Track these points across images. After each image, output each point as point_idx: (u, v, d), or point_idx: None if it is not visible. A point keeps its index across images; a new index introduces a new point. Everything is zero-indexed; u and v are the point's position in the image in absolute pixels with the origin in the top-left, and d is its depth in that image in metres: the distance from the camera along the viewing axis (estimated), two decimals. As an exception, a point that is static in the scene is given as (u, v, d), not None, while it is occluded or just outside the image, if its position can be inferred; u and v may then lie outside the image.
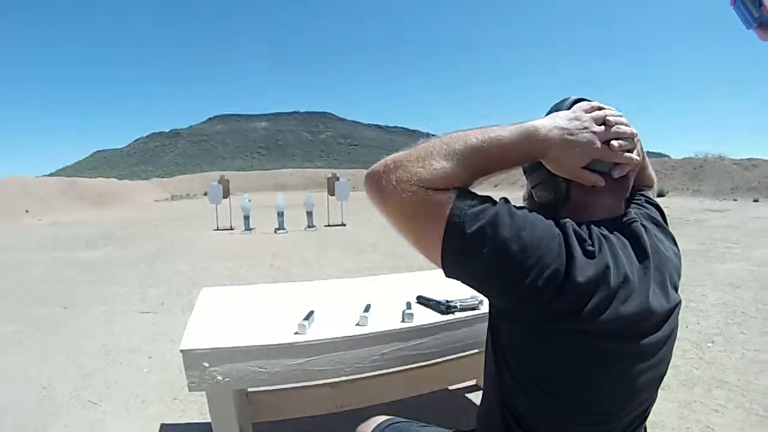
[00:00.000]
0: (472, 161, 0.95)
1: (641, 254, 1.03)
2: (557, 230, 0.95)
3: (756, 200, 20.22)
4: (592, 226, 1.01)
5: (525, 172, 1.20)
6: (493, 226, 0.91)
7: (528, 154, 1.01)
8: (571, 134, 1.01)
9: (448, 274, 0.98)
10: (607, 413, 1.05)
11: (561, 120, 1.03)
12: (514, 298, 0.94)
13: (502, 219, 0.92)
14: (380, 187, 0.96)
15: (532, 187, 1.20)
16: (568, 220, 0.98)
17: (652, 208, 1.27)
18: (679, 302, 1.10)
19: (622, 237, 1.03)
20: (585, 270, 0.91)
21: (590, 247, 0.95)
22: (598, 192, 1.07)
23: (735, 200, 20.88)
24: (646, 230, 1.08)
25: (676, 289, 1.10)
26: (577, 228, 0.98)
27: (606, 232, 1.01)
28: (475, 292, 1.04)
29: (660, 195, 23.75)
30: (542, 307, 0.91)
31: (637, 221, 1.08)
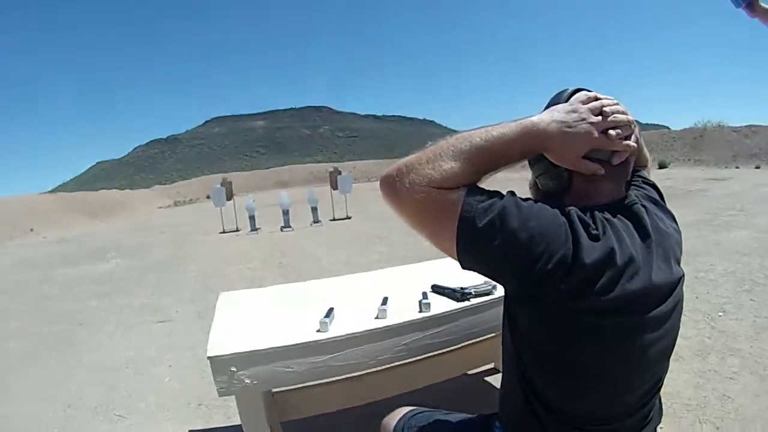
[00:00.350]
0: (478, 160, 1.02)
1: (643, 234, 1.08)
2: (562, 218, 1.01)
3: (758, 167, 20.14)
4: (596, 211, 1.05)
5: (529, 163, 1.23)
6: (501, 218, 0.97)
7: (530, 149, 1.08)
8: (569, 126, 1.06)
9: (464, 266, 1.05)
10: (620, 385, 1.10)
11: (559, 113, 1.08)
12: (527, 284, 1.00)
13: (510, 211, 0.99)
14: (395, 190, 1.04)
15: (536, 177, 1.25)
16: (572, 207, 1.04)
17: (650, 188, 1.31)
18: (683, 275, 1.15)
19: (624, 219, 1.08)
20: (591, 253, 0.97)
21: (594, 231, 1.00)
22: (599, 178, 1.11)
23: (737, 168, 20.81)
24: (646, 210, 1.13)
25: (678, 263, 1.15)
26: (581, 214, 1.03)
27: (609, 216, 1.06)
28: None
29: (662, 166, 23.72)
30: (553, 290, 0.97)
31: (637, 203, 1.13)
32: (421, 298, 1.97)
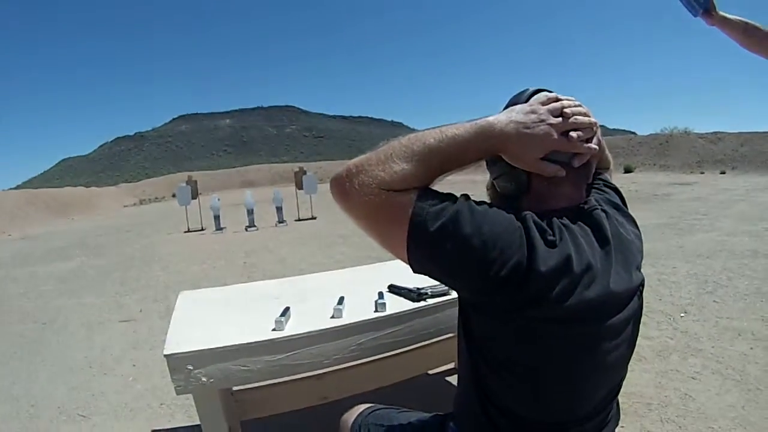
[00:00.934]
0: (431, 161, 1.00)
1: (603, 240, 1.06)
2: (518, 223, 0.99)
3: (723, 172, 20.61)
4: (554, 217, 1.04)
5: (486, 164, 1.21)
6: (454, 223, 0.95)
7: (486, 151, 1.05)
8: (527, 127, 1.03)
9: (415, 270, 1.04)
10: (577, 392, 1.09)
11: (517, 114, 1.06)
12: (480, 291, 0.99)
13: (463, 215, 0.96)
14: (344, 191, 1.01)
15: (494, 179, 1.23)
16: (528, 212, 1.02)
17: (611, 192, 1.31)
18: (642, 281, 1.15)
19: (583, 225, 1.06)
20: (547, 260, 0.95)
21: (551, 237, 0.98)
22: (559, 181, 1.09)
23: (702, 173, 21.25)
24: (607, 215, 1.12)
25: (639, 269, 1.14)
26: (538, 219, 1.01)
27: (567, 222, 1.05)
28: None
29: (627, 171, 24.10)
30: (507, 297, 0.96)
31: (597, 208, 1.11)
32: (377, 298, 1.99)
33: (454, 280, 1.04)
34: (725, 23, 1.90)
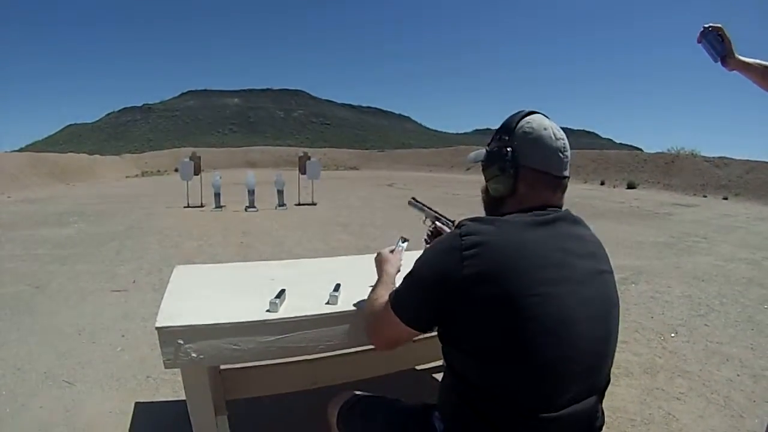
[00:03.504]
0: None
1: (568, 234, 1.29)
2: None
3: (725, 198, 20.53)
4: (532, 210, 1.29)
5: (483, 169, 1.44)
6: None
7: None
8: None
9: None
10: (550, 376, 1.16)
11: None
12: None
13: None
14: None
15: (487, 181, 1.43)
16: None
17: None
18: (608, 270, 1.33)
19: (554, 220, 1.29)
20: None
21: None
22: (539, 188, 1.33)
23: (705, 197, 21.19)
24: (574, 221, 1.35)
25: (603, 260, 1.33)
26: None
27: (542, 215, 1.28)
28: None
29: (630, 186, 24.10)
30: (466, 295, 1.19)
31: (568, 210, 1.36)
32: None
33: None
34: (744, 67, 2.00)
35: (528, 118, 1.37)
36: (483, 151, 1.46)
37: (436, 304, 1.25)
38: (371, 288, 1.66)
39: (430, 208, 1.96)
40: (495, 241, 1.18)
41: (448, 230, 1.76)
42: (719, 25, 1.99)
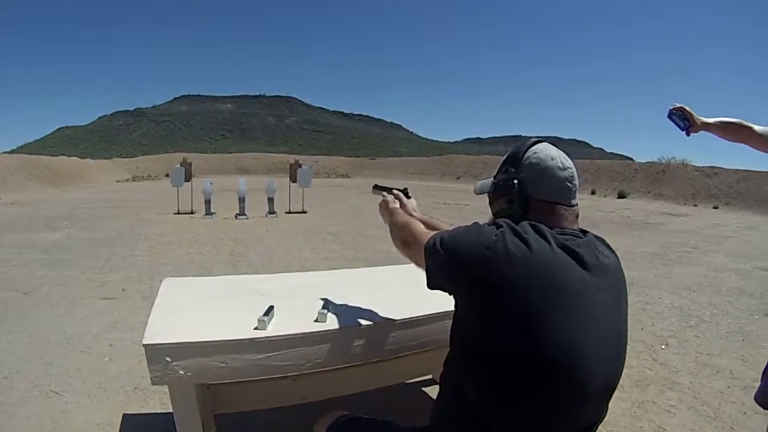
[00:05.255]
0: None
1: (590, 263, 1.23)
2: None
3: (716, 207, 20.66)
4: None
5: (489, 201, 1.44)
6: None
7: None
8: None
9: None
10: (556, 415, 1.17)
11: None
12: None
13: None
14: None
15: (494, 213, 1.41)
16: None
17: None
18: (623, 305, 1.32)
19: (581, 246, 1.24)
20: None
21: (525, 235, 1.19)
22: (550, 218, 1.29)
23: (695, 206, 21.32)
24: (597, 242, 1.33)
25: (621, 293, 1.31)
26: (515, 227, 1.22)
27: (569, 239, 1.24)
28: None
29: (621, 196, 24.21)
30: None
31: (589, 233, 1.33)
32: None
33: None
34: (705, 128, 2.35)
35: (534, 147, 1.37)
36: (489, 181, 1.46)
37: (449, 276, 1.28)
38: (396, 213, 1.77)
39: (391, 190, 2.02)
40: (521, 255, 1.16)
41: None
42: (681, 105, 2.34)
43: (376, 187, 2.12)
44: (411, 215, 1.77)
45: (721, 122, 2.33)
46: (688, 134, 2.37)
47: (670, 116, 2.37)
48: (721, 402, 3.24)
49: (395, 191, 1.98)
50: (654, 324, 4.80)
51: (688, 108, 2.34)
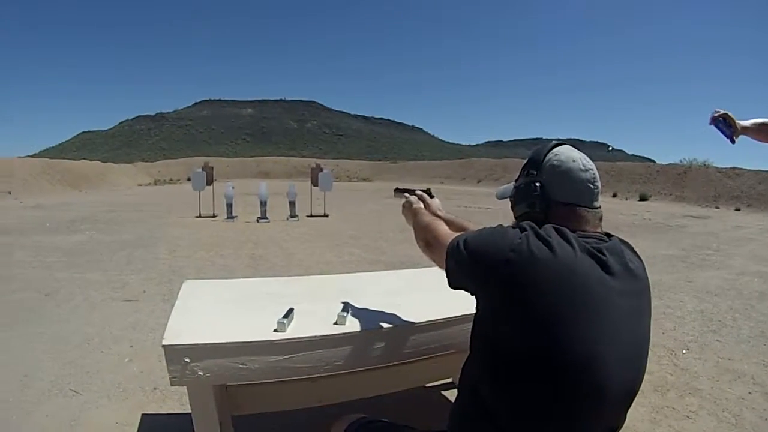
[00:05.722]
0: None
1: (614, 269, 1.21)
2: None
3: (738, 209, 20.38)
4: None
5: (511, 206, 1.45)
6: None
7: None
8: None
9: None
10: (571, 412, 1.15)
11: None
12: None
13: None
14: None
15: (517, 218, 1.41)
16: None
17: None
18: (647, 310, 1.31)
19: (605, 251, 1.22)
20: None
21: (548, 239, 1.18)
22: (573, 221, 1.28)
23: (717, 208, 21.06)
24: (622, 246, 1.31)
25: (645, 298, 1.30)
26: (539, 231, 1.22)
27: (593, 243, 1.23)
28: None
29: (643, 198, 23.98)
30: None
31: (614, 237, 1.32)
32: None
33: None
34: (744, 131, 2.31)
35: (555, 150, 1.37)
36: (510, 186, 1.46)
37: (471, 277, 1.28)
38: (420, 214, 1.77)
39: (413, 191, 2.02)
40: (544, 257, 1.15)
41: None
42: (725, 112, 2.30)
43: (397, 190, 2.11)
44: (436, 215, 1.78)
45: (755, 124, 2.31)
46: (733, 142, 2.33)
47: (715, 124, 2.33)
48: (742, 408, 3.19)
49: (418, 192, 1.98)
50: (675, 328, 4.74)
51: (730, 114, 2.30)
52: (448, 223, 1.65)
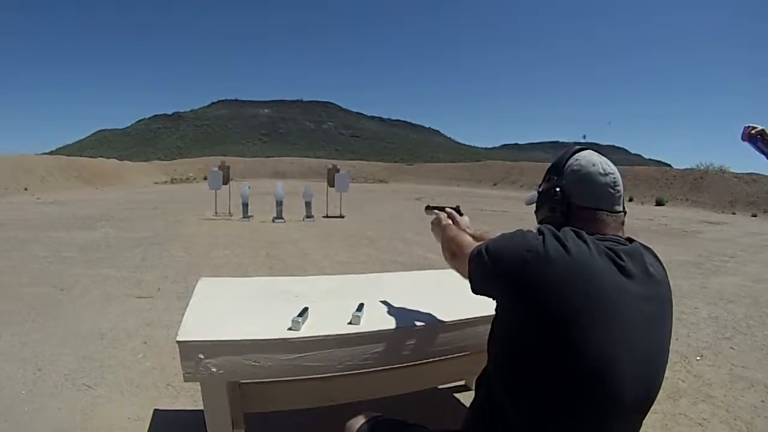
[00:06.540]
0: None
1: (633, 272, 1.21)
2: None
3: (754, 215, 20.19)
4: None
5: (535, 211, 1.47)
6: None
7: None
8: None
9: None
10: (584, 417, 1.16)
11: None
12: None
13: None
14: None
15: (539, 222, 1.41)
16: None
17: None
18: (666, 316, 1.29)
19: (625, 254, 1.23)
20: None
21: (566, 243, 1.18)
22: (594, 225, 1.29)
23: (733, 214, 20.89)
24: (643, 251, 1.32)
25: (665, 304, 1.30)
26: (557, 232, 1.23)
27: (612, 246, 1.23)
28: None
29: (659, 203, 23.82)
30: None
31: (635, 242, 1.32)
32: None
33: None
34: None
35: (577, 155, 1.39)
36: (536, 192, 1.48)
37: (492, 280, 1.29)
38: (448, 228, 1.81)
39: (444, 208, 2.04)
40: (559, 258, 1.16)
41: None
42: (762, 128, 2.26)
43: (428, 207, 2.15)
44: (464, 231, 1.80)
45: None
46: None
47: (753, 141, 2.29)
48: (755, 416, 3.15)
49: (448, 209, 2.01)
50: (689, 335, 4.70)
51: (767, 130, 2.27)
52: (475, 238, 1.65)
